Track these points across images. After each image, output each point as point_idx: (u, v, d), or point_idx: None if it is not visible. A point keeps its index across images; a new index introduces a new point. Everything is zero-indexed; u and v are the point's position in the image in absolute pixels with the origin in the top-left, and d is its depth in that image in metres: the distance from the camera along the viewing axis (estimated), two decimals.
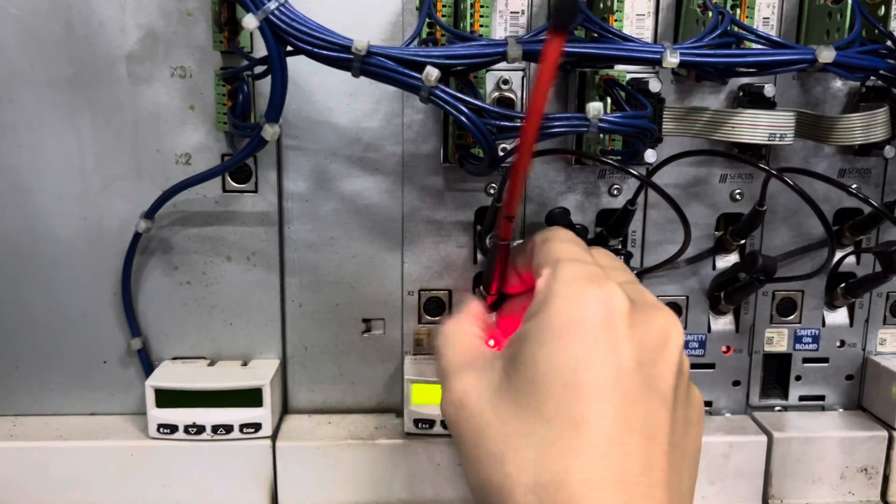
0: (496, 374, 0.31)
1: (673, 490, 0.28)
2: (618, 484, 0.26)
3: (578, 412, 0.27)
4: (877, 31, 0.46)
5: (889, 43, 0.46)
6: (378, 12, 0.51)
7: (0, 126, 0.51)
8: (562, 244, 0.34)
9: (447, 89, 0.41)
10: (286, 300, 0.55)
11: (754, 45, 0.46)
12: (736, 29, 0.45)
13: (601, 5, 0.48)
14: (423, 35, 0.48)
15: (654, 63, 0.41)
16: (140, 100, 0.51)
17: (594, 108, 0.40)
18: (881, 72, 0.45)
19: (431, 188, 0.53)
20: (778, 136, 0.46)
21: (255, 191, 0.53)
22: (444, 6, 0.48)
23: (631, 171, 0.45)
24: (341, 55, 0.40)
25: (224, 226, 0.53)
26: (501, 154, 0.44)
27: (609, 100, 0.46)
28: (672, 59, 0.41)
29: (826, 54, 0.42)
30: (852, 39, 0.44)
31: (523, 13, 0.51)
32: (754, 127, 0.46)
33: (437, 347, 0.36)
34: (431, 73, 0.40)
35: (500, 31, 0.51)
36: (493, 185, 0.53)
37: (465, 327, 0.36)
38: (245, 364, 0.54)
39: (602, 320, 0.29)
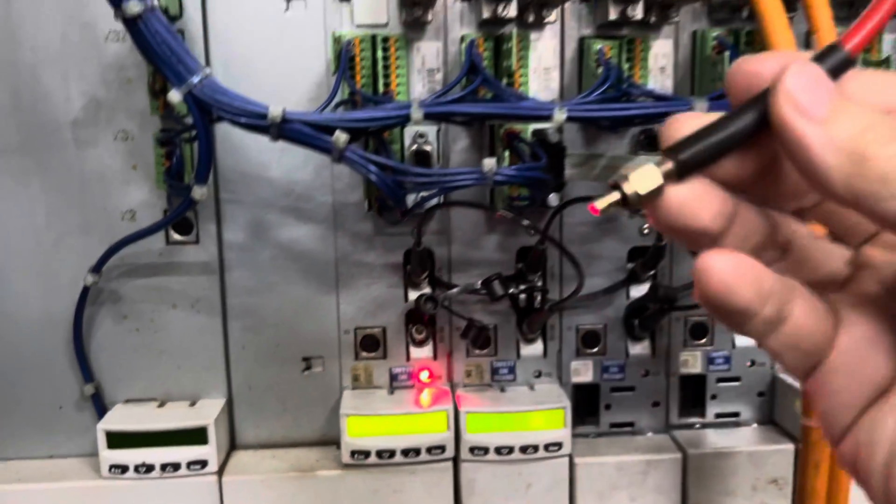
0: None
1: None
2: None
3: None
4: None
5: None
6: (306, 74, 0.55)
7: None
8: None
9: (357, 150, 0.45)
10: (230, 343, 0.58)
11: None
12: (625, 84, 0.49)
13: (506, 63, 0.52)
14: (346, 96, 0.52)
15: (545, 120, 0.46)
16: (86, 162, 0.55)
17: (488, 163, 0.45)
18: None
19: (361, 234, 0.57)
20: None
21: (197, 242, 0.57)
22: (362, 68, 0.53)
23: (524, 222, 0.49)
24: (259, 122, 0.44)
25: (169, 276, 0.57)
26: (410, 208, 0.48)
27: (507, 153, 0.50)
28: (560, 117, 0.45)
29: (700, 105, 0.47)
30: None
31: (439, 70, 0.55)
32: None
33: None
34: (340, 137, 0.44)
35: (418, 87, 0.55)
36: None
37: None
38: (193, 404, 0.58)
39: None
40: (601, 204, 0.21)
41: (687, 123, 0.20)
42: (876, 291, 0.22)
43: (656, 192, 0.20)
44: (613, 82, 0.49)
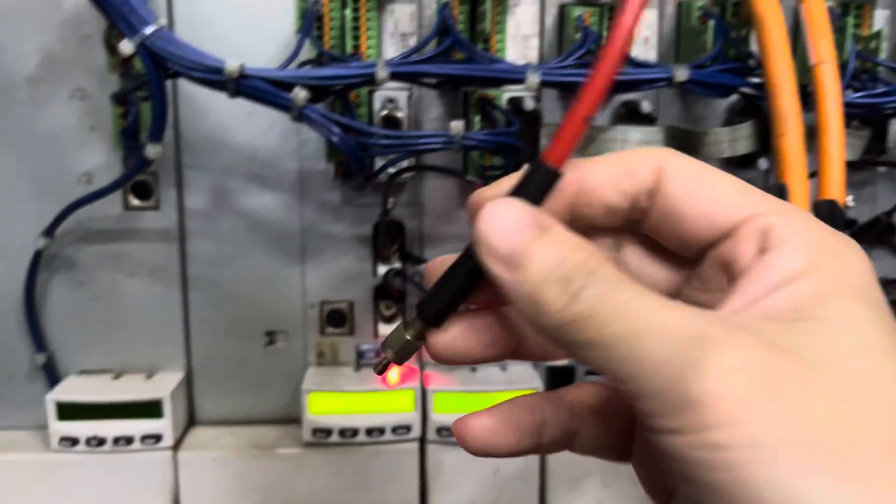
0: (787, 336, 0.19)
1: None
2: None
3: None
4: (734, 51, 0.49)
5: (752, 62, 0.49)
6: (273, 35, 0.53)
7: None
8: (731, 178, 0.23)
9: (318, 109, 0.42)
10: (190, 315, 0.56)
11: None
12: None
13: (480, 27, 0.50)
14: (313, 56, 0.50)
15: (518, 83, 0.44)
16: (41, 122, 0.52)
17: (455, 126, 0.42)
18: (743, 89, 0.48)
19: (329, 203, 0.55)
20: None
21: (157, 208, 0.54)
22: (331, 29, 0.50)
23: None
24: (215, 77, 0.42)
25: (127, 243, 0.55)
26: (375, 172, 0.46)
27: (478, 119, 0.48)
28: (533, 80, 0.43)
29: (681, 73, 0.45)
30: (711, 58, 0.47)
31: (413, 35, 0.53)
32: (625, 142, 0.48)
33: (628, 309, 0.19)
34: (299, 94, 0.42)
35: (390, 51, 0.53)
36: (391, 198, 0.55)
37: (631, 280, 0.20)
38: (150, 377, 0.55)
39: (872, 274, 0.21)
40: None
41: (439, 265, 0.22)
42: None
43: (409, 348, 0.23)
44: (591, 48, 0.46)
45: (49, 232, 0.52)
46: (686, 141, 0.51)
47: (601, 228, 0.23)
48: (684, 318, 0.18)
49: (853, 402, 0.18)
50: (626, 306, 0.19)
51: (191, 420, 0.57)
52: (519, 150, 0.45)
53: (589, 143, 0.48)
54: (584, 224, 0.23)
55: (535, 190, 0.21)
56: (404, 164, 0.49)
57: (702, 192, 0.22)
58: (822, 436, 0.17)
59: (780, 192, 0.43)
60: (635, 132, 0.48)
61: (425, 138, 0.43)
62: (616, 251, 0.24)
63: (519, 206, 0.20)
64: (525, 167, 0.21)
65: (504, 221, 0.20)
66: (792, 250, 0.20)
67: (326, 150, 0.51)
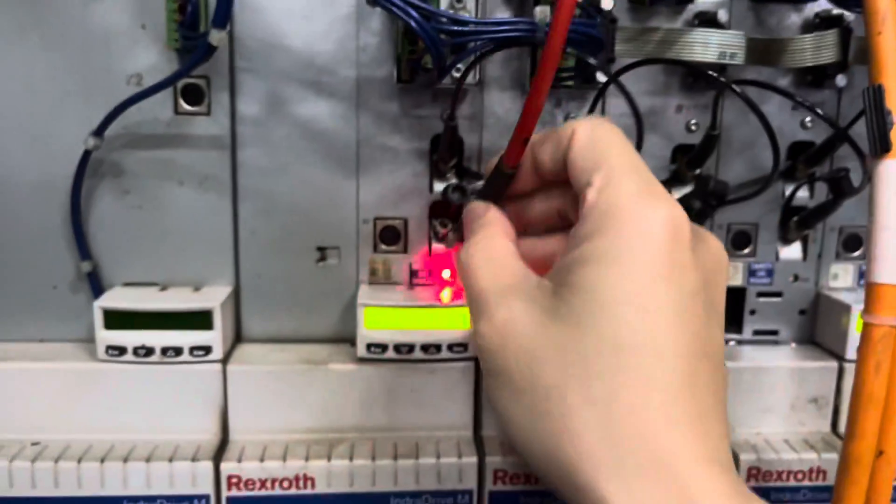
0: (547, 300, 0.28)
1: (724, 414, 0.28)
2: (696, 417, 0.25)
3: (653, 341, 0.25)
4: None
5: None
6: None
7: None
8: (613, 146, 0.29)
9: None
10: (239, 227, 0.54)
11: None
12: None
13: None
14: None
15: None
16: (90, 18, 0.50)
17: (541, 11, 0.40)
18: None
19: (387, 114, 0.53)
20: (728, 54, 0.46)
21: (208, 113, 0.52)
22: None
23: (590, 60, 0.44)
24: None
25: (176, 149, 0.53)
26: (449, 64, 0.44)
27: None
28: None
29: None
30: None
31: None
32: (705, 45, 0.46)
33: (467, 268, 0.31)
34: None
35: None
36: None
37: (499, 244, 0.31)
38: (197, 290, 0.54)
39: (670, 242, 0.26)
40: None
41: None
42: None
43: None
44: None
45: (99, 132, 0.50)
46: (767, 49, 0.49)
47: (564, 182, 0.31)
48: (487, 280, 0.30)
49: (553, 357, 0.26)
50: (469, 264, 0.31)
51: (237, 337, 0.56)
52: (602, 45, 0.43)
53: (670, 47, 0.46)
54: (549, 180, 0.32)
55: (497, 185, 0.33)
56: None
57: (575, 161, 0.29)
58: (531, 381, 0.27)
59: (878, 93, 0.41)
60: (715, 35, 0.46)
61: (507, 24, 0.41)
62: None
63: (475, 206, 0.34)
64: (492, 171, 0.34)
65: (469, 214, 0.34)
66: (583, 221, 0.27)
67: (400, 40, 0.48)
